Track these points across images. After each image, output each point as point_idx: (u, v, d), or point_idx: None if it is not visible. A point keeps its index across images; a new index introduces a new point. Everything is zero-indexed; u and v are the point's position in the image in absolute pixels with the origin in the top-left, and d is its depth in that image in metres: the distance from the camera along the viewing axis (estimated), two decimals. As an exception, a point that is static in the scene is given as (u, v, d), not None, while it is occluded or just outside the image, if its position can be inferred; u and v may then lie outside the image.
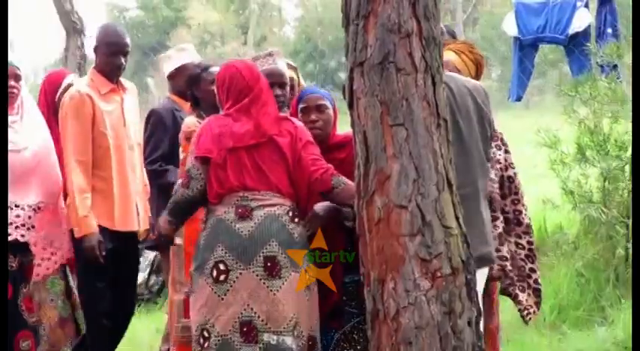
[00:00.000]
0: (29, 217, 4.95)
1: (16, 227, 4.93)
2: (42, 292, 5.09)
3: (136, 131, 5.57)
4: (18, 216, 4.92)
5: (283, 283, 4.09)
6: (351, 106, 3.66)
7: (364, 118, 3.59)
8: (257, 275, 4.08)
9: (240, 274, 4.08)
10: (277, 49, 4.98)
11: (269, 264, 4.08)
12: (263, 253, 4.09)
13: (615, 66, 8.14)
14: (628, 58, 7.33)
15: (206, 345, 4.12)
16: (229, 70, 4.39)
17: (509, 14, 10.06)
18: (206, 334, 4.13)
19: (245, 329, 4.05)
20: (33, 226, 4.98)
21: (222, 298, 4.09)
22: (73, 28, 9.15)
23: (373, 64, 3.55)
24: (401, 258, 3.49)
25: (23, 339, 4.93)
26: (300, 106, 4.44)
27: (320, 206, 4.24)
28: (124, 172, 5.33)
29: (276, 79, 4.61)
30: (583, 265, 6.94)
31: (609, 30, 9.33)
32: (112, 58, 5.36)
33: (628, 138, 6.92)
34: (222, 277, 4.10)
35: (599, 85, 7.09)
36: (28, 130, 5.08)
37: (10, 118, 5.03)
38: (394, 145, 3.53)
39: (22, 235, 4.94)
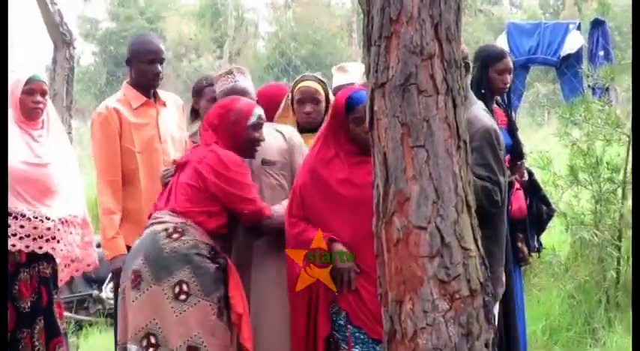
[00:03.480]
0: (58, 230, 4.97)
1: (47, 240, 4.97)
2: None
3: (178, 147, 5.22)
4: (49, 228, 4.95)
5: (140, 295, 4.25)
6: (371, 126, 3.66)
7: (384, 139, 3.58)
8: (125, 286, 4.36)
9: (123, 283, 4.41)
10: (239, 67, 4.94)
11: (133, 276, 4.29)
12: (132, 266, 4.33)
13: (607, 89, 8.20)
14: (620, 81, 7.40)
15: None
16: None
17: (502, 35, 10.08)
18: None
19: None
20: (60, 239, 5.01)
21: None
22: (62, 41, 9.08)
23: (395, 85, 3.54)
24: (419, 279, 3.49)
25: (59, 346, 5.04)
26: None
27: None
28: (155, 191, 4.89)
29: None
30: (574, 287, 6.97)
31: (601, 53, 9.37)
32: (150, 67, 5.10)
33: (620, 161, 6.98)
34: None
35: (592, 108, 7.14)
36: (52, 145, 5.07)
37: (35, 133, 5.02)
38: (414, 167, 3.52)
39: (53, 248, 4.99)
